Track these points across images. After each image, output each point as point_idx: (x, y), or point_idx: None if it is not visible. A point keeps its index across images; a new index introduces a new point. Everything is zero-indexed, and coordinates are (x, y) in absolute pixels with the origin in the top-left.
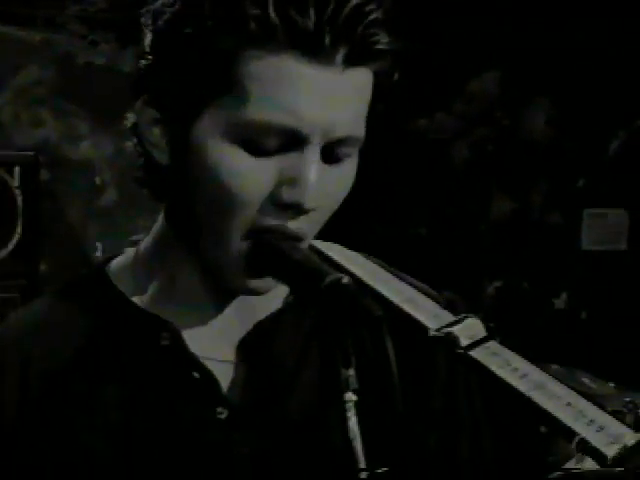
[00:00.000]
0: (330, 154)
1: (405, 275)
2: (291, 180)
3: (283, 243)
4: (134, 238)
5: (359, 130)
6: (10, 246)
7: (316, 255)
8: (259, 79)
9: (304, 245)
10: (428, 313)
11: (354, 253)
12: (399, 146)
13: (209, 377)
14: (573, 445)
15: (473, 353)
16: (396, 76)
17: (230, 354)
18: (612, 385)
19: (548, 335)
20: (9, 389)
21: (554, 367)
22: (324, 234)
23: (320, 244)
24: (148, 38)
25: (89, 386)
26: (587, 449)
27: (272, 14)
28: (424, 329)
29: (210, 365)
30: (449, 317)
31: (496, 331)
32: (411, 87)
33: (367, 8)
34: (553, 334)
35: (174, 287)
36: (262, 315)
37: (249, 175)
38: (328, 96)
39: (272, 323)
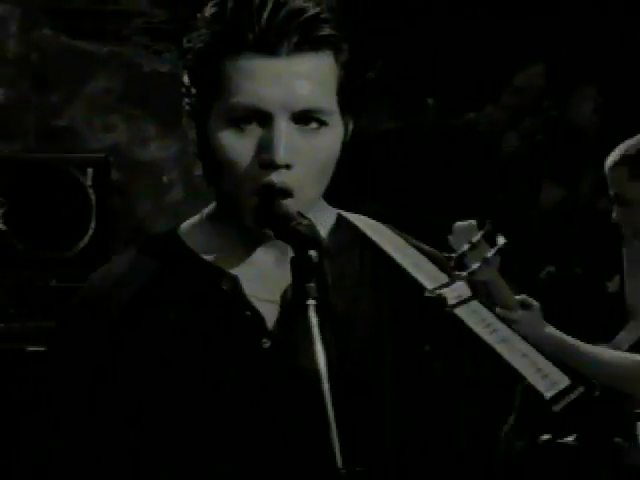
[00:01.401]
0: (302, 123)
1: (418, 242)
2: (266, 145)
3: (275, 201)
4: None
5: (321, 103)
6: (85, 240)
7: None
8: (235, 75)
9: (297, 198)
10: (428, 275)
11: (376, 223)
12: (450, 139)
13: (257, 315)
14: (520, 386)
15: (457, 310)
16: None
17: (275, 296)
18: None
19: (601, 318)
20: (100, 324)
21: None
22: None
23: (349, 215)
24: (186, 78)
25: (163, 323)
26: (532, 391)
27: (236, 30)
28: (422, 287)
29: (259, 305)
30: (444, 279)
31: (478, 292)
32: (460, 82)
33: (299, 12)
34: (606, 317)
35: (229, 242)
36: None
37: (237, 146)
38: (280, 80)
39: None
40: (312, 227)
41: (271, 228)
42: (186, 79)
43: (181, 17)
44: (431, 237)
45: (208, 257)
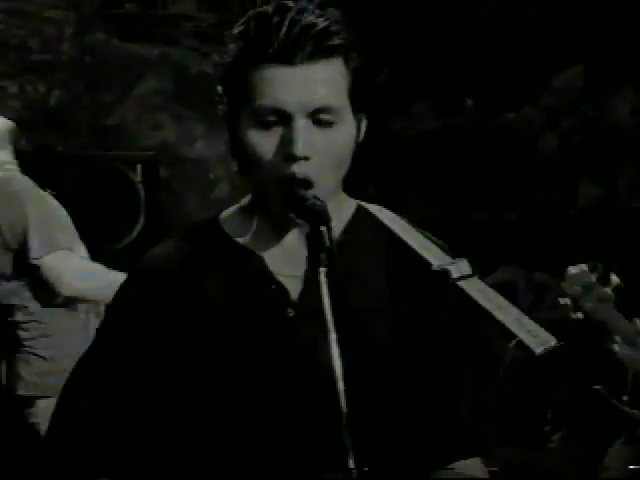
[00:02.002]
0: (318, 121)
1: (428, 234)
2: (287, 140)
3: (296, 189)
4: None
5: (333, 102)
6: (134, 233)
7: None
8: (259, 83)
9: (317, 187)
10: (435, 257)
11: (394, 214)
12: (490, 138)
13: (282, 288)
14: (512, 345)
15: (460, 283)
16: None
17: (298, 272)
18: None
19: None
20: (152, 290)
21: None
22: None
23: (369, 206)
24: (219, 88)
25: (202, 294)
26: (523, 347)
27: (258, 46)
28: (429, 265)
29: (283, 280)
30: (449, 260)
31: (477, 270)
32: (499, 83)
33: (310, 27)
34: None
35: (259, 227)
36: None
37: (262, 143)
38: (297, 85)
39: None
40: (324, 207)
41: (292, 209)
42: (219, 89)
43: (227, 20)
44: (470, 231)
45: (240, 240)
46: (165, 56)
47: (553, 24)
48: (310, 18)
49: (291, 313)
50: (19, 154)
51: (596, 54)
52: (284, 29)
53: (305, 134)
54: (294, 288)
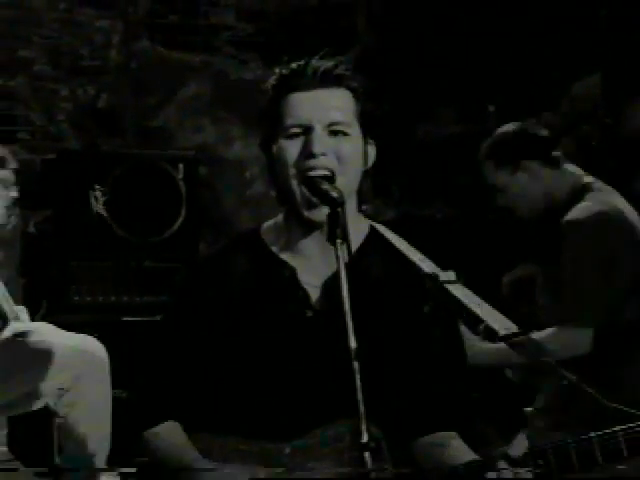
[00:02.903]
0: (331, 132)
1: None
2: (307, 144)
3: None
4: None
5: (341, 118)
6: (175, 227)
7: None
8: (287, 106)
9: (337, 180)
10: (427, 266)
11: (393, 233)
12: None
13: (306, 294)
14: (481, 328)
15: (445, 285)
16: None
17: (319, 282)
18: None
19: None
20: (204, 287)
21: None
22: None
23: (378, 225)
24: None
25: (242, 294)
26: (487, 330)
27: (289, 82)
28: (421, 270)
29: (307, 287)
30: (437, 269)
31: (460, 277)
32: (520, 90)
33: (329, 68)
34: None
35: (292, 239)
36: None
37: (289, 149)
38: (315, 104)
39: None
40: (339, 192)
41: (314, 194)
42: (261, 117)
43: (264, 30)
44: (490, 231)
45: (276, 250)
46: (205, 63)
47: (572, 34)
48: (322, 61)
49: (309, 314)
50: (69, 153)
51: (613, 63)
52: (306, 69)
53: (321, 139)
54: (314, 295)
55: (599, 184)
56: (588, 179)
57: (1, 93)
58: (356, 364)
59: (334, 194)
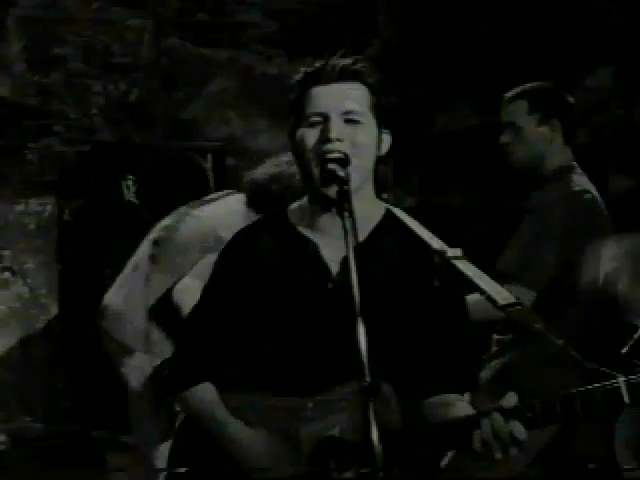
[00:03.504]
0: (347, 120)
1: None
2: (325, 130)
3: (327, 161)
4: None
5: (356, 107)
6: None
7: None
8: (310, 98)
9: (351, 163)
10: (436, 243)
11: (405, 213)
12: None
13: (327, 268)
14: (483, 298)
15: (452, 260)
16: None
17: (338, 257)
18: None
19: None
20: (237, 260)
21: None
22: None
23: (396, 210)
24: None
25: (271, 267)
26: (488, 300)
27: (312, 78)
28: (430, 247)
29: (328, 262)
30: (445, 246)
31: (466, 255)
32: (535, 82)
33: (347, 65)
34: None
35: (315, 218)
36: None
37: (309, 136)
38: (333, 96)
39: (361, 246)
40: (346, 173)
41: (325, 173)
42: (288, 109)
43: (288, 27)
44: (507, 218)
45: (300, 228)
46: (232, 59)
47: (585, 27)
48: (341, 59)
49: (330, 286)
50: (103, 145)
51: (626, 55)
52: (326, 66)
53: (337, 125)
54: (334, 268)
55: (580, 170)
56: (574, 163)
57: (38, 89)
58: (360, 320)
59: (341, 173)
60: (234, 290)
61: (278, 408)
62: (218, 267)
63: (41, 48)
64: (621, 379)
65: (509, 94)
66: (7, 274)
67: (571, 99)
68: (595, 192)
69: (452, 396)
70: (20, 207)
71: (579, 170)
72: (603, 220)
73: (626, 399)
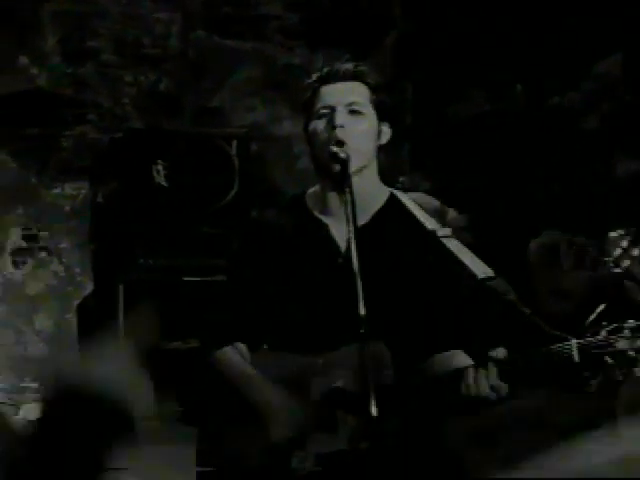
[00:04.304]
0: (350, 111)
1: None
2: (331, 119)
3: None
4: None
5: (358, 100)
6: (229, 197)
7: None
8: (320, 95)
9: (351, 147)
10: (430, 223)
11: (410, 200)
12: (537, 120)
13: (337, 246)
14: (465, 272)
15: (442, 239)
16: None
17: (346, 236)
18: None
19: None
20: (259, 238)
21: None
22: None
23: (401, 194)
24: (304, 102)
25: (288, 245)
26: (469, 274)
27: (323, 79)
28: (425, 227)
29: (338, 240)
30: (437, 226)
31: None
32: (546, 70)
33: (349, 68)
34: None
35: (327, 201)
36: (363, 221)
37: (318, 125)
38: (340, 92)
39: (366, 227)
40: (346, 155)
41: (332, 158)
42: (304, 104)
43: (309, 19)
44: (519, 201)
45: (314, 210)
46: (256, 50)
47: (594, 15)
48: (345, 64)
49: (340, 261)
50: (135, 132)
51: (634, 42)
52: (334, 71)
53: (342, 115)
54: (343, 246)
55: None
56: None
57: (72, 80)
58: (359, 284)
59: (342, 155)
60: (259, 263)
61: (294, 364)
62: (245, 242)
63: (75, 41)
64: (574, 341)
65: None
66: (44, 254)
67: None
68: None
69: (452, 351)
70: (56, 191)
71: None
72: None
73: (576, 358)
